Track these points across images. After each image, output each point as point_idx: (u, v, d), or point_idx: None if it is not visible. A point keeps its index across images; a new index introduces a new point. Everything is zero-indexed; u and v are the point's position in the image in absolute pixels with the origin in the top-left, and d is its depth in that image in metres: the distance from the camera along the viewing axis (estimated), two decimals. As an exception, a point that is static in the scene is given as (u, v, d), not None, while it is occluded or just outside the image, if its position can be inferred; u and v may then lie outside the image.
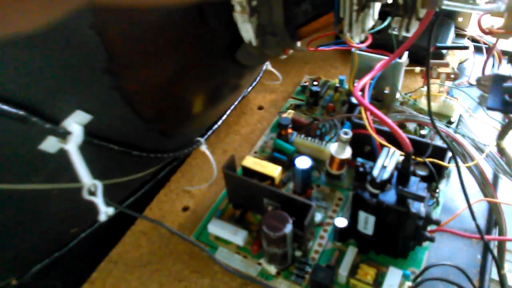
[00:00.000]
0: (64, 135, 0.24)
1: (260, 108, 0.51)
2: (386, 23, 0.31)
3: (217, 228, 0.37)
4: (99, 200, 0.25)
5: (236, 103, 0.48)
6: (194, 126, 0.37)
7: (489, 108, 0.26)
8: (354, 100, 0.44)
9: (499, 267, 0.35)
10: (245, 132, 0.48)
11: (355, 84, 0.46)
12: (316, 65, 0.55)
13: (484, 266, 0.37)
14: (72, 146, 0.24)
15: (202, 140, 0.39)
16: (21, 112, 0.22)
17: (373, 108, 0.34)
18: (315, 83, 0.50)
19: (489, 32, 0.27)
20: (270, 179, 0.38)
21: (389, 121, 0.32)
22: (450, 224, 0.38)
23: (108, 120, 0.27)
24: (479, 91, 0.30)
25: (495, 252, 0.40)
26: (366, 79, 0.37)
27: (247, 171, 0.38)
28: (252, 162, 0.38)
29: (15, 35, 0.20)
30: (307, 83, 0.51)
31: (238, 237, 0.36)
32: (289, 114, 0.46)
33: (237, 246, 0.37)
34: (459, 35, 0.55)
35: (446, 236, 0.38)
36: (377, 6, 0.30)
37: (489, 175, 0.39)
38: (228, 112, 0.47)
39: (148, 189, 0.42)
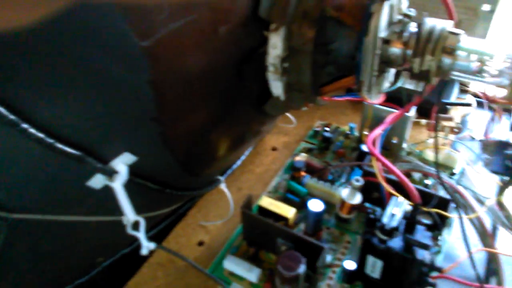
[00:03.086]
0: (111, 173, 0.27)
1: (274, 149, 0.54)
2: (399, 84, 0.34)
3: (232, 264, 0.39)
4: (141, 235, 0.27)
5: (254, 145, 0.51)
6: (218, 167, 0.39)
7: (493, 172, 0.29)
8: (364, 148, 0.47)
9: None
10: (259, 172, 0.51)
11: (365, 133, 0.49)
12: (327, 111, 0.59)
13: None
14: (118, 184, 0.27)
15: (222, 179, 0.41)
16: (78, 153, 0.25)
17: (385, 159, 0.37)
18: (327, 128, 0.53)
19: (493, 100, 0.30)
20: (285, 219, 0.40)
21: (400, 173, 0.35)
22: (451, 272, 0.40)
23: (148, 161, 0.29)
24: (482, 151, 0.33)
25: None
26: (378, 130, 0.41)
27: (263, 210, 0.41)
28: (268, 203, 0.41)
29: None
30: (319, 128, 0.54)
31: (252, 274, 0.38)
32: (303, 157, 0.49)
33: (250, 283, 0.39)
34: (462, 91, 0.59)
35: (447, 283, 0.40)
36: (392, 70, 0.34)
37: (489, 225, 0.42)
38: (246, 153, 0.50)
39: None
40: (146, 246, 0.28)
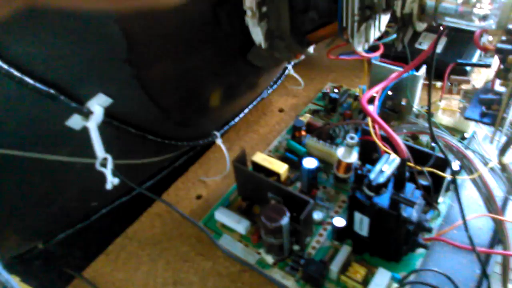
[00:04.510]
0: (87, 114, 0.28)
1: (281, 110, 0.54)
2: (393, 36, 0.33)
3: (222, 216, 0.40)
4: (108, 171, 0.28)
5: (254, 102, 0.50)
6: (210, 119, 0.40)
7: (466, 118, 0.27)
8: (368, 108, 0.45)
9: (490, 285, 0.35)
10: (264, 132, 0.51)
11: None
12: (340, 74, 0.57)
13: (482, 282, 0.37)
14: (93, 124, 0.28)
15: (217, 133, 0.42)
16: (51, 90, 0.26)
17: (376, 116, 0.36)
18: (336, 90, 0.52)
19: (484, 49, 0.28)
20: (276, 175, 0.40)
21: (388, 128, 0.33)
22: (453, 237, 0.39)
23: (128, 105, 0.30)
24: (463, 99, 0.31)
25: (498, 269, 0.40)
26: (376, 88, 0.39)
27: (256, 166, 0.41)
28: (261, 158, 0.41)
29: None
30: (328, 90, 0.53)
31: (240, 225, 0.39)
32: (305, 117, 0.48)
33: (240, 235, 0.40)
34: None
35: (448, 248, 0.39)
36: (384, 18, 0.32)
37: (501, 192, 0.39)
38: (246, 111, 0.50)
39: (168, 176, 0.46)
40: (111, 181, 0.29)
